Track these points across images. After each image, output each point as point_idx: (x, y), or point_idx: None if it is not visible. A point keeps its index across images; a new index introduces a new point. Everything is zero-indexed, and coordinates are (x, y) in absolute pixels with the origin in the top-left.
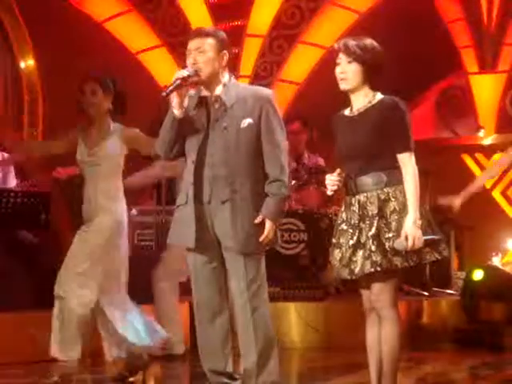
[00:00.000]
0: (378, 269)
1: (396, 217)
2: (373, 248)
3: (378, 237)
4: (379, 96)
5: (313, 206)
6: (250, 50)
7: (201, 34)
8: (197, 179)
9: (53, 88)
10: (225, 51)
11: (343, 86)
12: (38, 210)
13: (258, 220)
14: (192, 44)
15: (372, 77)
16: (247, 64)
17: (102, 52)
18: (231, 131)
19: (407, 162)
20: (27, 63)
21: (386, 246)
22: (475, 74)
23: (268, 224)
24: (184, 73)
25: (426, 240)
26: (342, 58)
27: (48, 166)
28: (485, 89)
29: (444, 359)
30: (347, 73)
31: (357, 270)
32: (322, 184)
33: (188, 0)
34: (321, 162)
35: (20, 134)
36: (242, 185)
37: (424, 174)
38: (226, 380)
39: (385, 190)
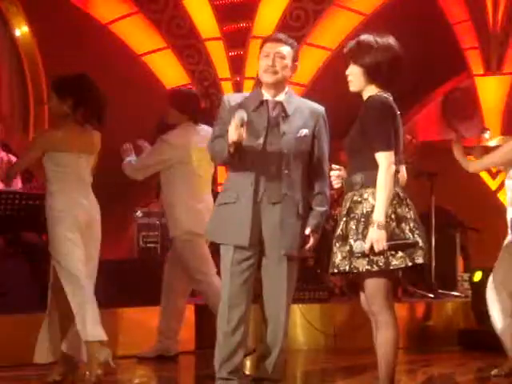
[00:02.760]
0: (335, 270)
1: (363, 219)
2: (334, 249)
3: (342, 238)
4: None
5: None
6: (255, 52)
7: (283, 40)
8: (256, 177)
9: None
10: (297, 63)
11: (350, 88)
12: (43, 211)
13: (308, 232)
14: (273, 47)
15: (374, 76)
16: (252, 66)
17: (108, 54)
18: (289, 138)
19: (381, 162)
20: (33, 65)
21: (353, 248)
22: (480, 75)
23: (313, 235)
24: (242, 117)
25: (392, 245)
26: (350, 61)
27: None
28: (490, 90)
29: (449, 361)
30: (351, 75)
31: (329, 270)
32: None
33: (193, 2)
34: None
35: (26, 135)
36: (293, 190)
37: (429, 176)
38: (237, 380)
39: (360, 190)
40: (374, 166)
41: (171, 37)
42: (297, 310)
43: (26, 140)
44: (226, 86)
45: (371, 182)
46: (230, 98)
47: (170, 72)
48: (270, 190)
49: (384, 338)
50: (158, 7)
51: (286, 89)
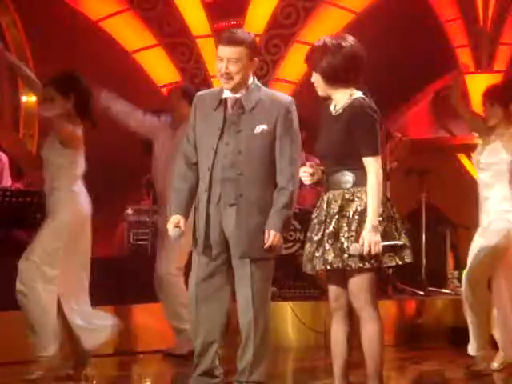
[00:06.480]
0: (328, 267)
1: (357, 217)
2: (327, 246)
3: (334, 235)
4: (355, 95)
5: (309, 206)
6: None
7: (236, 41)
8: (210, 180)
9: None
10: (256, 58)
11: (319, 93)
12: (33, 208)
13: (266, 234)
14: (225, 52)
15: (333, 81)
16: None
17: (98, 51)
18: (244, 135)
19: (370, 167)
20: (23, 63)
21: (344, 246)
22: (471, 73)
23: (271, 234)
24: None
25: (385, 246)
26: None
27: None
28: (480, 88)
29: (439, 358)
30: (315, 82)
31: (317, 266)
32: (318, 184)
33: None
34: (316, 162)
35: (17, 134)
36: (249, 190)
37: (420, 174)
38: (207, 378)
39: (351, 189)
40: (363, 166)
41: (162, 34)
42: (287, 307)
43: (17, 138)
44: (217, 84)
45: (363, 181)
46: (199, 97)
47: (160, 69)
48: (225, 193)
49: (369, 333)
50: (149, 4)
51: (250, 81)
